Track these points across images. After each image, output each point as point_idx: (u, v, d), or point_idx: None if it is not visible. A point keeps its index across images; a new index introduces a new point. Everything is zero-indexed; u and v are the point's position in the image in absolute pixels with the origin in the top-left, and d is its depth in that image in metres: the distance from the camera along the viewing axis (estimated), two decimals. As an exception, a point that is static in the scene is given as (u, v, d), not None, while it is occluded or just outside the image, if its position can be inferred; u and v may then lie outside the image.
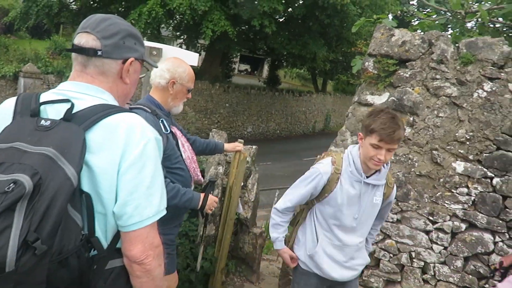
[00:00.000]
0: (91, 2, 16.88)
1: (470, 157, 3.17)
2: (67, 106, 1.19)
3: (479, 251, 3.22)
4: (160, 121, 2.26)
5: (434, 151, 3.25)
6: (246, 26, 17.22)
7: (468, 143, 3.16)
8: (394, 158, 3.34)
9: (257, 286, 4.06)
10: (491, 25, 4.21)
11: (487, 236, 3.20)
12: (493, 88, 3.08)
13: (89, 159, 1.14)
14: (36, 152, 1.07)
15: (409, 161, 3.32)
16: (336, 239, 2.29)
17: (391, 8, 17.97)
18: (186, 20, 14.11)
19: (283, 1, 15.42)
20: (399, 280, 3.45)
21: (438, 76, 3.22)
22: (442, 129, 3.22)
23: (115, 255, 1.25)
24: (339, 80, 26.82)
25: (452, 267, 3.31)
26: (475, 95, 3.13)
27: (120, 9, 16.60)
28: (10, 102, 1.26)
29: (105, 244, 1.23)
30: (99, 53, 1.26)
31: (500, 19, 3.96)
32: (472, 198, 3.20)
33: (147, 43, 3.73)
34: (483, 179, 3.16)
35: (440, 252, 3.32)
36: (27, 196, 0.99)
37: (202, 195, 2.44)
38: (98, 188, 1.16)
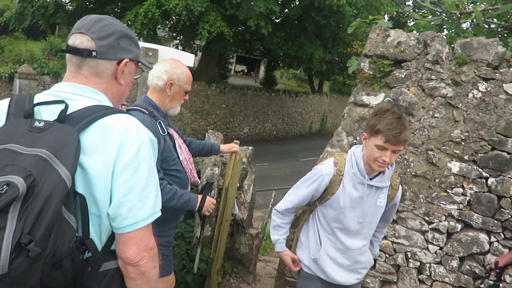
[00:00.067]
0: (87, 3, 16.83)
1: (466, 157, 3.18)
2: (61, 107, 1.18)
3: (475, 251, 3.23)
4: (157, 123, 2.26)
5: (429, 152, 3.26)
6: (242, 27, 17.23)
7: (463, 143, 3.17)
8: (390, 158, 3.34)
9: (253, 287, 4.06)
10: (486, 26, 4.23)
11: (483, 236, 3.21)
12: (488, 89, 3.10)
13: (83, 161, 1.14)
14: (30, 154, 1.06)
15: (405, 161, 3.33)
16: (339, 243, 2.24)
17: (387, 9, 18.04)
18: (183, 21, 14.10)
19: (279, 2, 15.44)
20: (395, 280, 3.46)
21: (433, 77, 3.23)
22: (438, 129, 3.23)
23: (110, 257, 1.24)
24: (336, 80, 26.94)
25: (447, 267, 3.32)
26: (470, 95, 3.15)
27: (116, 9, 16.57)
28: (4, 104, 1.25)
29: (99, 246, 1.22)
30: (94, 54, 1.25)
31: (495, 19, 3.98)
32: (468, 198, 3.21)
33: (142, 44, 3.73)
34: (478, 179, 3.17)
35: (435, 252, 3.33)
36: (21, 198, 0.98)
37: (199, 196, 2.44)
38: (93, 189, 1.15)
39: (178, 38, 19.36)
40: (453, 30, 5.02)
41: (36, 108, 1.21)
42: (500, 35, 4.24)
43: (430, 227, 3.32)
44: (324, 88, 30.17)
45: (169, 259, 2.49)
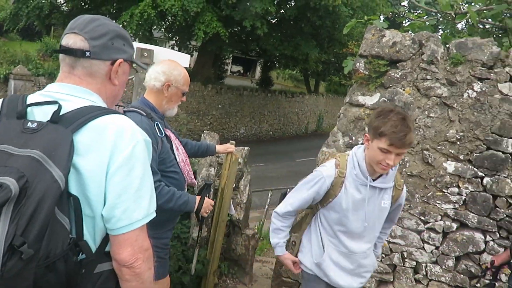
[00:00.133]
0: (82, 4, 16.75)
1: (461, 157, 3.19)
2: (54, 108, 1.17)
3: (470, 251, 3.24)
4: (155, 125, 2.25)
5: (425, 151, 3.27)
6: (238, 28, 17.22)
7: (458, 143, 3.18)
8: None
9: (250, 288, 4.05)
10: (481, 26, 4.24)
11: (478, 236, 3.22)
12: (483, 88, 3.11)
13: (77, 162, 1.13)
14: (23, 155, 1.05)
15: (400, 161, 3.33)
16: (342, 246, 2.18)
17: (383, 9, 18.09)
18: (178, 21, 14.07)
19: (275, 3, 15.44)
20: (391, 280, 3.46)
21: (428, 77, 3.23)
22: (433, 129, 3.24)
23: (104, 259, 1.23)
24: (332, 81, 26.95)
25: (443, 267, 3.32)
26: (465, 95, 3.16)
27: (111, 10, 16.50)
28: None
29: (93, 248, 1.21)
30: (87, 54, 1.24)
31: (490, 20, 3.99)
32: (463, 197, 3.22)
33: (138, 45, 3.72)
34: (473, 178, 3.18)
35: (431, 252, 3.34)
36: (13, 199, 0.97)
37: (197, 198, 2.43)
38: (86, 190, 1.14)
39: (174, 38, 19.32)
40: (448, 30, 5.04)
41: (29, 109, 1.20)
42: (494, 35, 4.26)
43: (426, 226, 3.32)
44: (320, 89, 30.21)
45: (164, 262, 2.47)
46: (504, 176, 3.11)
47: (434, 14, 4.33)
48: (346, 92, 3.66)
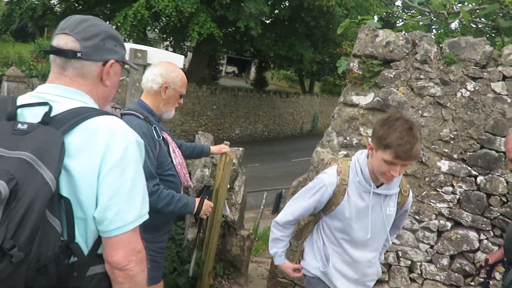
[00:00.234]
0: (76, 5, 16.69)
1: (455, 156, 3.20)
2: (45, 109, 1.16)
3: (465, 249, 3.25)
4: (153, 128, 2.22)
5: (419, 151, 3.27)
6: (233, 28, 17.23)
7: (452, 142, 3.19)
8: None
9: (245, 289, 4.04)
10: (474, 26, 4.26)
11: (472, 234, 3.23)
12: (476, 88, 3.12)
13: (68, 163, 1.11)
14: (13, 157, 1.03)
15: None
16: (346, 255, 2.10)
17: (376, 9, 18.15)
18: (173, 22, 14.04)
19: (269, 3, 15.45)
20: (386, 279, 3.47)
21: (422, 76, 3.24)
22: (427, 128, 3.25)
23: (96, 261, 1.22)
24: (326, 81, 27.02)
25: (438, 265, 3.33)
26: (459, 94, 3.17)
27: (105, 11, 16.43)
28: None
29: (85, 250, 1.20)
30: (79, 55, 1.23)
31: (482, 19, 4.01)
32: (457, 196, 3.23)
33: (131, 46, 3.70)
34: (467, 177, 3.19)
35: (426, 251, 3.35)
36: (3, 202, 0.96)
37: (197, 200, 2.42)
38: (78, 192, 1.13)
39: (168, 39, 19.29)
40: (441, 30, 5.06)
41: (19, 110, 1.18)
42: (487, 35, 4.29)
43: (420, 225, 3.33)
44: (315, 89, 30.27)
45: (159, 266, 2.45)
46: (498, 175, 3.12)
47: (427, 14, 4.35)
48: (341, 92, 3.66)
